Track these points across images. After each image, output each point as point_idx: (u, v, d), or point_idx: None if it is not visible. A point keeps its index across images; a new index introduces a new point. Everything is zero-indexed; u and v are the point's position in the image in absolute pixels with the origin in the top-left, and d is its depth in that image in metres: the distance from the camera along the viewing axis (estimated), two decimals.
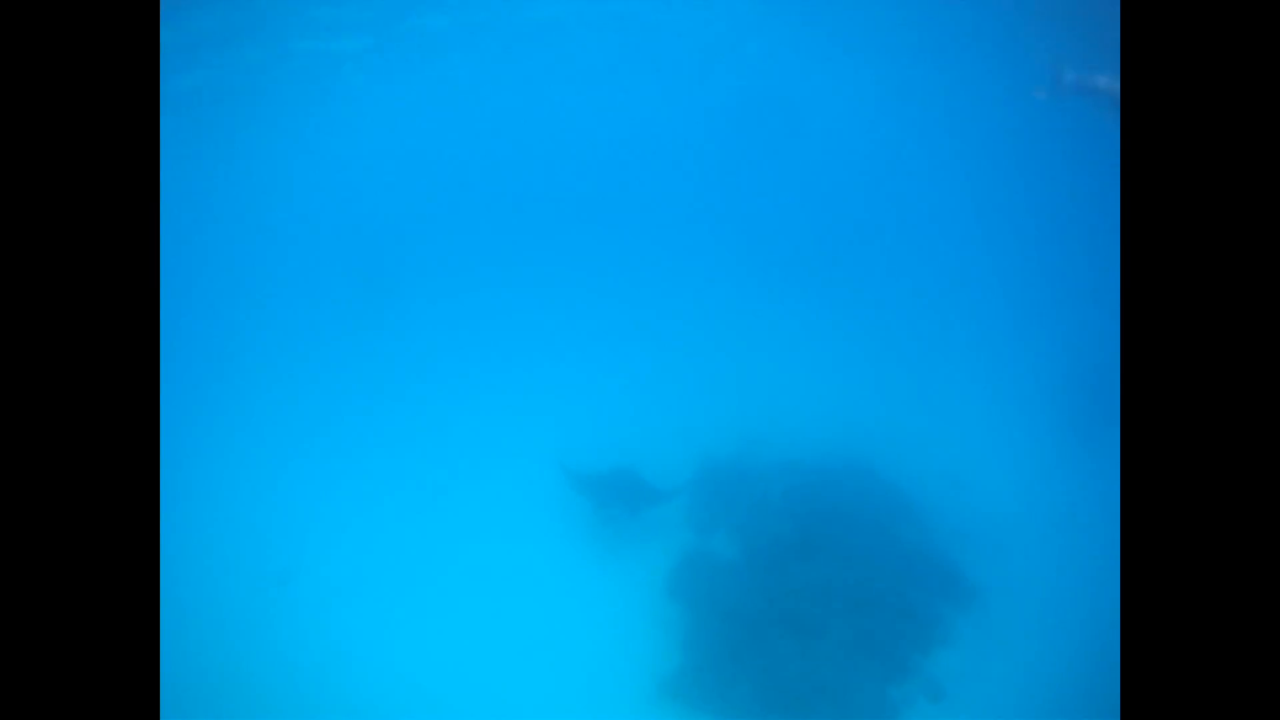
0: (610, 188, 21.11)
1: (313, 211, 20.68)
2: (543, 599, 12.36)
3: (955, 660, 11.17)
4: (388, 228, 20.44)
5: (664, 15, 19.28)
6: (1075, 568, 12.18)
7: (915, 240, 18.97)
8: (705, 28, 20.10)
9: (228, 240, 19.47)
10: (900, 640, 11.44)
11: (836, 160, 20.88)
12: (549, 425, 15.73)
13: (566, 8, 18.76)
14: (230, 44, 17.87)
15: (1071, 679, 10.68)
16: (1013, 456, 14.27)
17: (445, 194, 21.27)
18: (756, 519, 13.45)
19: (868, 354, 16.71)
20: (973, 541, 12.91)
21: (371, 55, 20.35)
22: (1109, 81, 9.10)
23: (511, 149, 21.94)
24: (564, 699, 11.08)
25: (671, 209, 20.52)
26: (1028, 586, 12.05)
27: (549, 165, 21.65)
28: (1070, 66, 9.68)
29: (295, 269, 18.85)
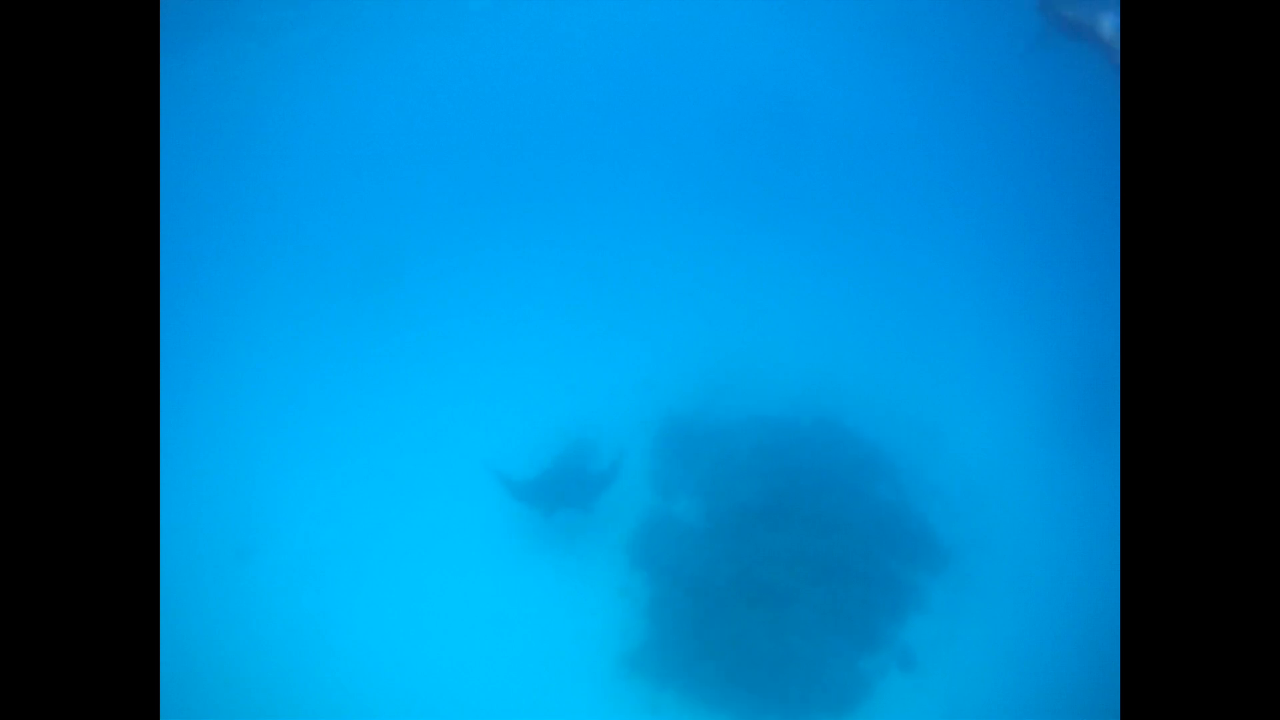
0: (565, 126, 19.96)
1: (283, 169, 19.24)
2: (505, 571, 11.75)
3: (928, 627, 10.84)
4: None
5: None
6: (1052, 525, 11.82)
7: (892, 184, 18.19)
8: None
9: (203, 211, 18.12)
10: (872, 608, 11.05)
11: (808, 105, 19.91)
12: (502, 390, 14.85)
13: None
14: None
15: (1047, 643, 10.42)
16: (990, 409, 13.78)
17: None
18: (722, 480, 12.85)
19: (837, 300, 16.04)
20: (947, 498, 12.51)
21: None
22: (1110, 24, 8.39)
23: (452, 81, 20.59)
24: (527, 674, 10.62)
25: (629, 149, 19.46)
26: (1003, 546, 11.71)
27: (495, 105, 20.39)
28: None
29: (267, 245, 17.59)
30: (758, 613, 10.92)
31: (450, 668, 10.71)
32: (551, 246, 17.60)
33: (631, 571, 11.76)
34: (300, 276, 16.93)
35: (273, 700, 10.33)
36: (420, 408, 14.58)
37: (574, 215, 18.26)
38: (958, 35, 18.22)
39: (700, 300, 16.12)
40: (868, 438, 13.43)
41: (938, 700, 9.99)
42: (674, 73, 20.49)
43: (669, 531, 12.25)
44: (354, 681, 10.58)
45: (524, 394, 14.62)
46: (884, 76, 19.69)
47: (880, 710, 9.98)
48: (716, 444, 13.53)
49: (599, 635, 10.90)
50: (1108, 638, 7.53)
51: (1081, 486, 12.20)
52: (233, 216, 18.07)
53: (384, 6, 18.57)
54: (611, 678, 10.47)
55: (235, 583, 11.94)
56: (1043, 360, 14.14)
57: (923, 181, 17.99)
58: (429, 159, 19.35)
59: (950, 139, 18.54)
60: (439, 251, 17.49)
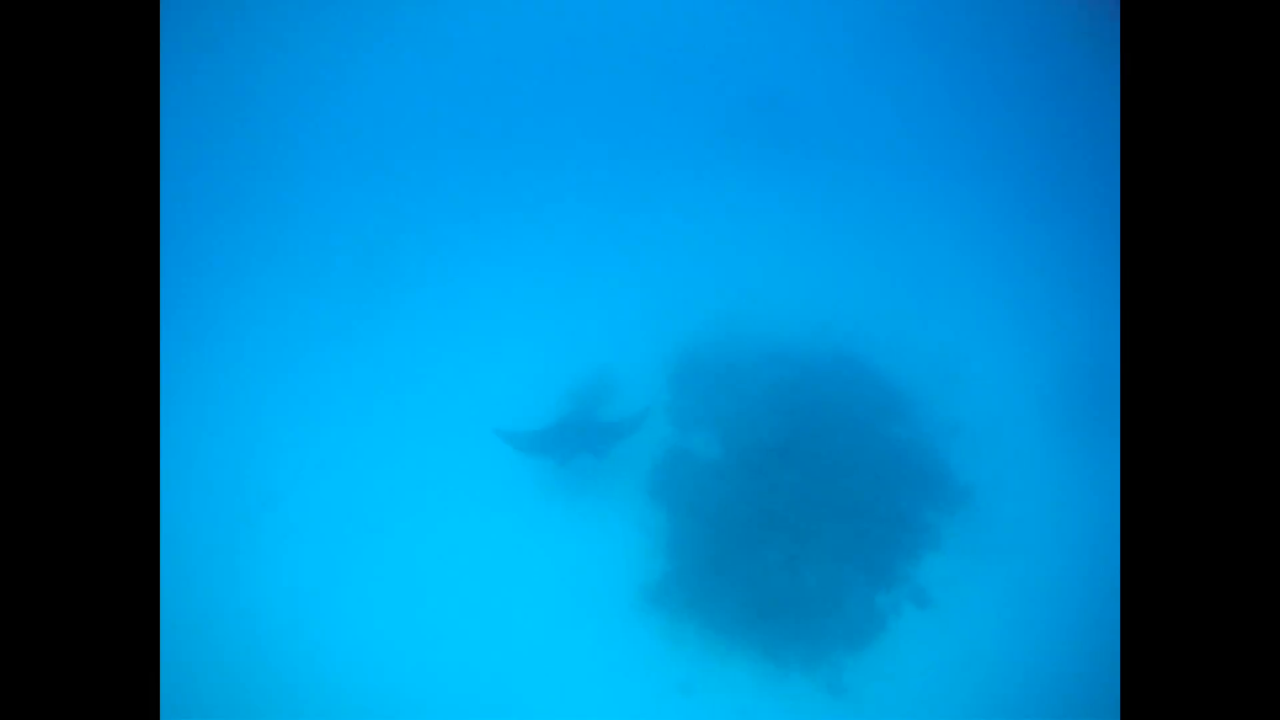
0: (571, 67, 19.15)
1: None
2: (523, 512, 11.82)
3: (943, 565, 11.04)
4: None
5: None
6: (1070, 468, 11.92)
7: (910, 118, 17.62)
8: None
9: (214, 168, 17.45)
10: (887, 545, 11.24)
11: (822, 37, 19.12)
12: (519, 328, 14.58)
13: None
14: None
15: (1062, 583, 10.64)
16: (1012, 348, 13.68)
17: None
18: (740, 416, 12.86)
19: (857, 235, 15.75)
20: (964, 437, 12.54)
21: None
22: None
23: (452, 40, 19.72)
24: (549, 607, 10.84)
25: (637, 85, 18.76)
26: (1020, 487, 11.83)
27: (497, 47, 19.51)
28: None
29: (272, 199, 16.94)
30: (774, 548, 11.12)
31: (471, 603, 10.94)
32: (561, 185, 17.10)
33: (650, 505, 11.87)
34: (308, 234, 16.44)
35: (298, 641, 10.55)
36: (433, 359, 14.27)
37: (583, 153, 17.71)
38: None
39: (721, 234, 15.80)
40: (886, 375, 13.40)
41: (952, 638, 10.27)
42: (686, 7, 19.62)
43: (687, 466, 12.32)
44: (375, 624, 10.85)
45: (538, 333, 14.37)
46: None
47: (895, 646, 10.26)
48: (734, 379, 13.48)
49: (619, 568, 11.09)
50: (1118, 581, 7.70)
51: (1102, 428, 12.25)
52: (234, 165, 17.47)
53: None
54: (632, 610, 10.68)
55: (261, 528, 11.99)
56: (1072, 304, 13.98)
57: (951, 113, 17.48)
58: (438, 110, 18.65)
59: (968, 71, 17.99)
60: (448, 198, 16.96)
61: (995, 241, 15.20)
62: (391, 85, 18.77)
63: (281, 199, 16.87)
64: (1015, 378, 13.27)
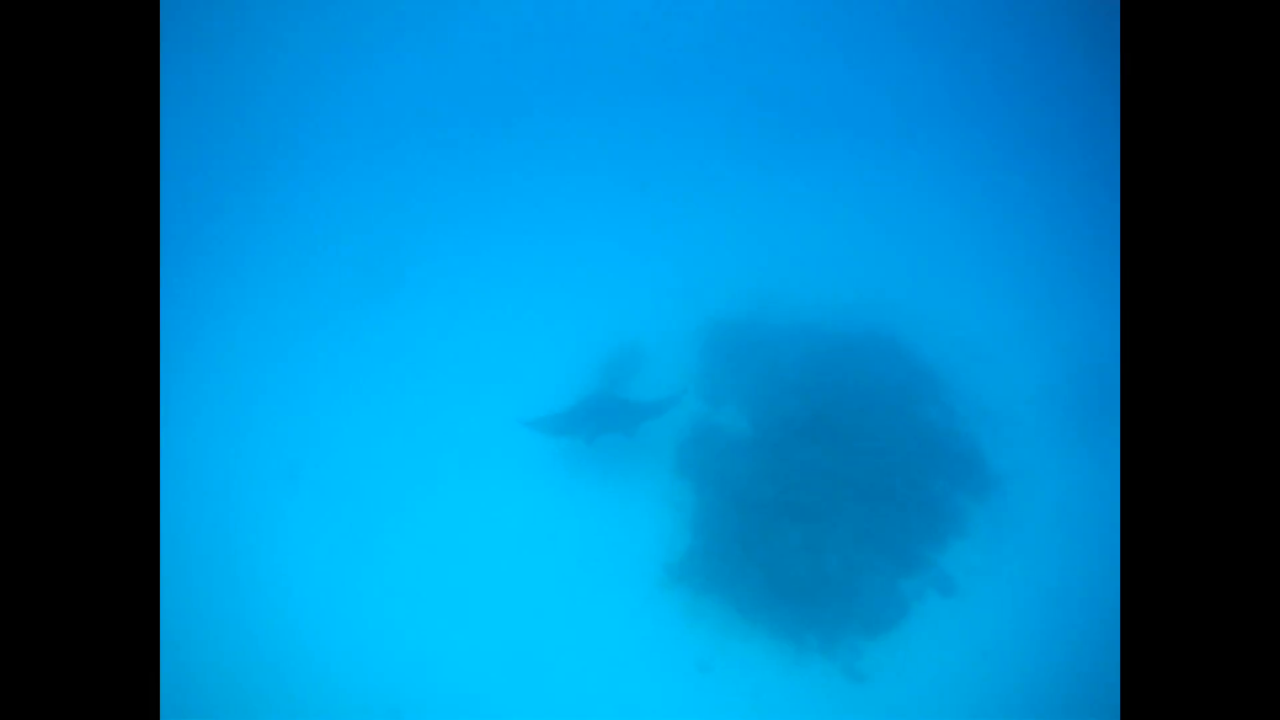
0: (597, 30, 18.82)
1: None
2: (549, 487, 11.95)
3: (968, 553, 10.93)
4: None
5: None
6: (1106, 456, 11.65)
7: (957, 92, 17.06)
8: None
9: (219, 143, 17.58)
10: (912, 531, 11.16)
11: (868, 17, 18.53)
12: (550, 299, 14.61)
13: None
14: None
15: (1092, 578, 10.47)
16: (1051, 331, 13.34)
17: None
18: (769, 391, 12.78)
19: (895, 209, 15.40)
20: (996, 423, 12.33)
21: None
22: None
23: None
24: (572, 579, 10.99)
25: (672, 56, 18.41)
26: (1051, 477, 11.60)
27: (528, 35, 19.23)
28: None
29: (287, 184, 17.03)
30: (799, 528, 11.09)
31: (495, 574, 11.13)
32: (594, 155, 16.93)
33: (677, 481, 11.90)
34: (329, 211, 16.49)
35: (313, 619, 10.88)
36: (462, 335, 14.33)
37: (615, 124, 17.48)
38: None
39: (758, 210, 15.56)
40: (918, 354, 13.20)
41: (974, 627, 10.21)
42: None
43: (715, 442, 12.31)
44: (392, 601, 11.08)
45: (569, 307, 14.36)
46: None
47: (916, 633, 10.23)
48: (765, 352, 13.39)
49: (644, 543, 11.18)
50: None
51: None
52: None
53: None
54: (655, 585, 10.79)
55: (277, 512, 12.25)
56: (1117, 289, 13.57)
57: (996, 88, 16.91)
58: (463, 90, 18.51)
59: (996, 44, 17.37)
60: (479, 178, 16.90)
61: (1041, 222, 14.76)
62: (419, 74, 18.72)
63: (312, 175, 16.99)
64: (1055, 363, 12.96)
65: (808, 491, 11.47)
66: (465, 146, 17.47)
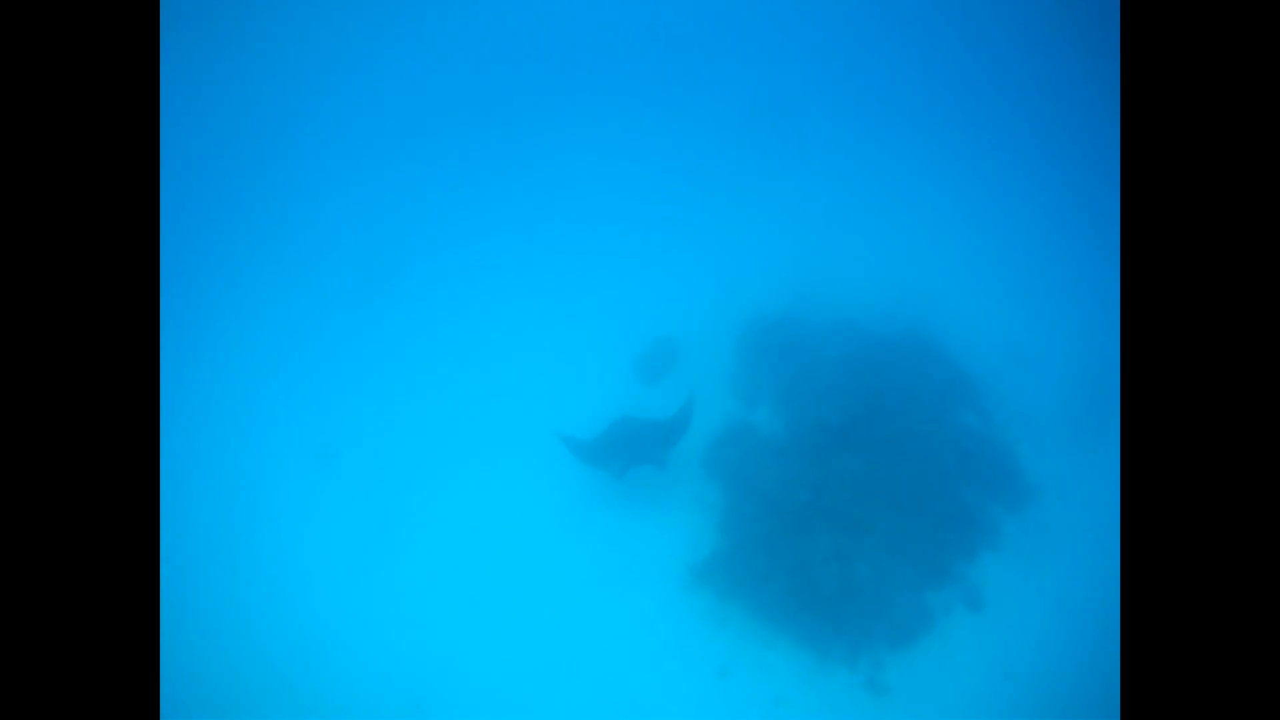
0: (637, 32, 18.54)
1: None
2: (581, 475, 11.92)
3: (1000, 567, 10.77)
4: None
5: None
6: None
7: (1003, 93, 16.49)
8: None
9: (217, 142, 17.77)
10: (944, 542, 11.01)
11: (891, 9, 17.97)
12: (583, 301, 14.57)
13: None
14: None
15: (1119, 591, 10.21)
16: (1096, 337, 12.94)
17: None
18: (805, 391, 12.64)
19: (937, 205, 15.01)
20: (1035, 430, 12.05)
21: None
22: None
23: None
24: (598, 579, 11.07)
25: (705, 52, 18.08)
26: (1090, 490, 11.32)
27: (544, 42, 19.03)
28: None
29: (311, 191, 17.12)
30: (828, 536, 11.03)
31: (513, 573, 11.23)
32: (630, 150, 16.76)
33: (707, 480, 11.88)
34: (345, 216, 16.53)
35: (317, 626, 11.03)
36: (494, 328, 14.31)
37: (647, 119, 17.26)
38: None
39: (799, 208, 15.31)
40: (959, 354, 12.93)
41: (1001, 644, 10.08)
42: None
43: (747, 441, 12.25)
44: (406, 603, 11.19)
45: (601, 302, 14.33)
46: None
47: (941, 647, 10.13)
48: (803, 350, 13.22)
49: (671, 543, 11.20)
50: None
51: None
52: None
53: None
54: (679, 587, 10.83)
55: (317, 484, 12.50)
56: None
57: (1034, 95, 16.35)
58: (465, 92, 18.42)
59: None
60: (499, 168, 16.84)
61: (1096, 219, 14.23)
62: (418, 76, 18.68)
63: (322, 175, 17.06)
64: (1101, 368, 12.55)
65: (839, 496, 11.37)
66: (484, 145, 17.42)
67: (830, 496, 11.33)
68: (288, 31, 19.17)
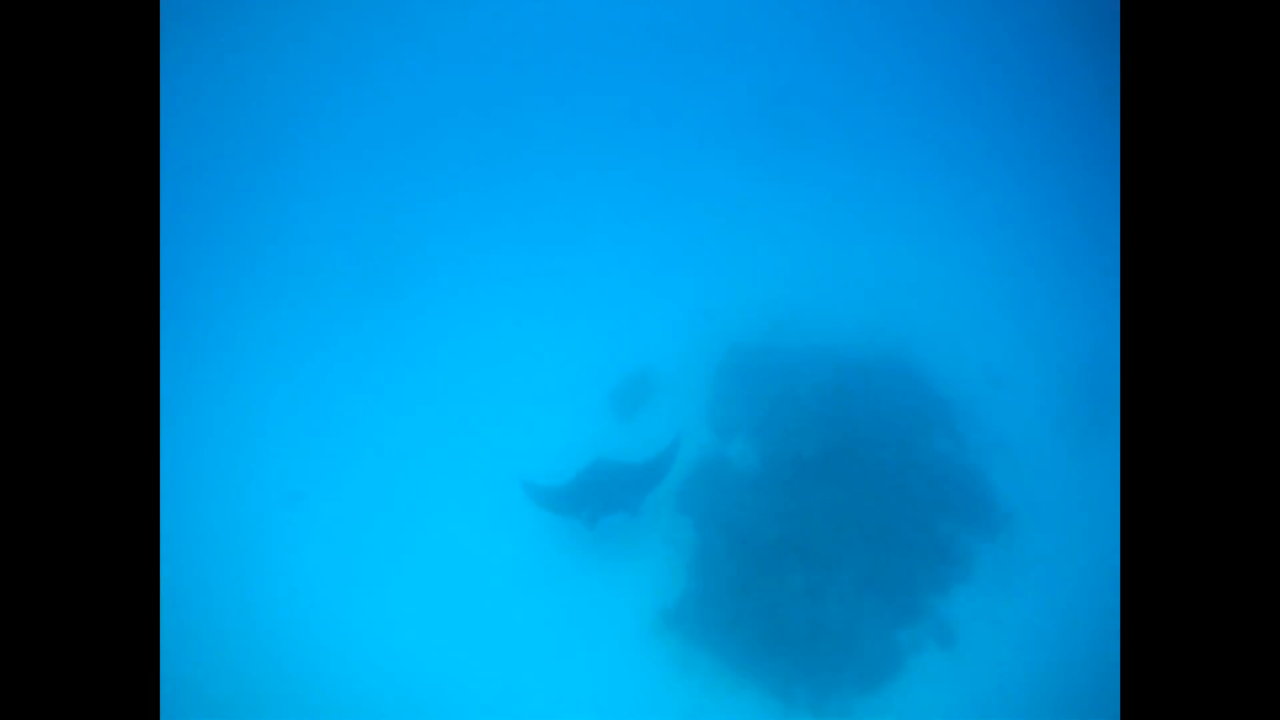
0: (611, 51, 18.40)
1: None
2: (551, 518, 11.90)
3: (972, 601, 10.61)
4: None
5: None
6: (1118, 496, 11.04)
7: (979, 118, 16.18)
8: None
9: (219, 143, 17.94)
10: (915, 576, 10.87)
11: (868, 30, 17.67)
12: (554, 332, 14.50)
13: None
14: None
15: (1103, 628, 9.99)
16: (1073, 355, 12.68)
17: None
18: (780, 423, 12.51)
19: (909, 229, 14.79)
20: (1009, 454, 11.84)
21: None
22: None
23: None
24: (565, 624, 11.03)
25: (679, 71, 17.91)
26: (1065, 516, 11.11)
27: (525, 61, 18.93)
28: None
29: (285, 210, 17.21)
30: (799, 576, 10.92)
31: (490, 610, 11.21)
32: (602, 171, 16.66)
33: (678, 516, 11.79)
34: (318, 239, 16.57)
35: (300, 647, 11.08)
36: (467, 353, 14.30)
37: (625, 139, 17.14)
38: None
39: (769, 232, 15.15)
40: (932, 380, 12.74)
41: (971, 682, 9.94)
42: None
43: (721, 476, 12.16)
44: (377, 635, 11.18)
45: (574, 332, 14.29)
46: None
47: (911, 687, 10.00)
48: (778, 380, 13.10)
49: (640, 585, 11.12)
50: None
51: None
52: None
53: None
54: (649, 631, 10.78)
55: (288, 527, 12.52)
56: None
57: (1017, 112, 16.02)
58: (450, 106, 18.38)
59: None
60: (477, 187, 16.80)
61: (1078, 240, 13.95)
62: (404, 87, 18.67)
63: (296, 194, 17.11)
64: (1080, 391, 12.30)
65: (812, 532, 11.26)
66: (468, 160, 17.40)
67: (803, 531, 11.22)
68: (288, 31, 19.37)
